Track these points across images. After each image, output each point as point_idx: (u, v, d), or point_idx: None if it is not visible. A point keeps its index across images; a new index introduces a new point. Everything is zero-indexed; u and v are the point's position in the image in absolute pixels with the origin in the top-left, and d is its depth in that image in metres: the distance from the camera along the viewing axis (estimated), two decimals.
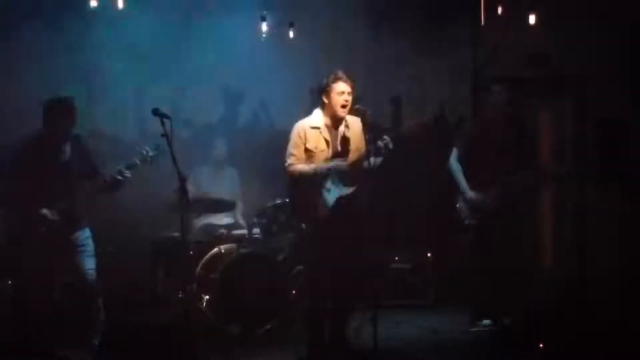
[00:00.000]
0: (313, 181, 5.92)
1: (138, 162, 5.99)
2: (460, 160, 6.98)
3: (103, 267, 6.16)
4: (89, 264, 6.02)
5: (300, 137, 5.98)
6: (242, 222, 7.75)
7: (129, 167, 5.92)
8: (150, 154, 5.99)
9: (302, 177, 5.94)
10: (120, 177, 5.91)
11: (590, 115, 8.56)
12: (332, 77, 5.93)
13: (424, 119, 6.19)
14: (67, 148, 5.97)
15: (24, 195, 5.80)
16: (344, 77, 5.93)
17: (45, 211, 5.80)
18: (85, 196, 5.98)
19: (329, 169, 5.90)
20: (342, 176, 5.91)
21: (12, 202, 5.87)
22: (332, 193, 5.90)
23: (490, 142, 6.88)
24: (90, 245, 6.06)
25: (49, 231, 5.80)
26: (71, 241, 5.95)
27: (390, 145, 5.81)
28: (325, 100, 5.97)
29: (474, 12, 8.18)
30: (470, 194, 6.86)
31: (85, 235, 6.03)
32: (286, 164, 6.00)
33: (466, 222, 6.93)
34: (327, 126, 6.02)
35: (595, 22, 8.21)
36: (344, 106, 5.92)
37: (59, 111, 5.91)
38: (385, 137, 5.84)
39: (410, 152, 6.08)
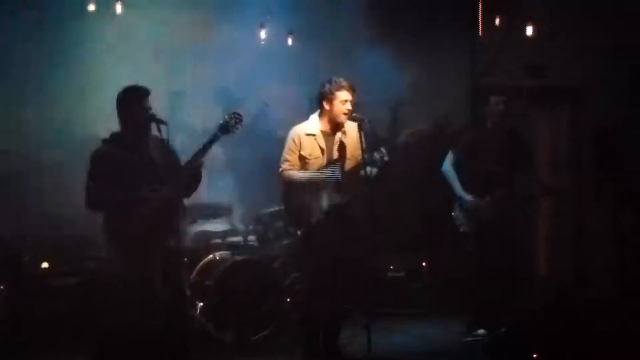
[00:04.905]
0: (307, 187, 5.94)
1: (219, 134, 5.67)
2: (454, 165, 6.97)
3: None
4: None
5: (295, 143, 5.99)
6: (237, 229, 7.73)
7: (211, 142, 5.61)
8: (232, 122, 5.68)
9: (295, 183, 5.96)
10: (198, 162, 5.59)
11: (587, 125, 8.59)
12: (335, 84, 5.93)
13: (424, 129, 6.22)
14: (148, 144, 5.66)
15: (115, 198, 5.54)
16: (347, 85, 5.93)
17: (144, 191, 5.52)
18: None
19: (323, 179, 5.91)
20: (337, 183, 5.92)
21: (106, 203, 5.58)
22: (327, 200, 5.91)
23: (487, 152, 6.88)
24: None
25: (153, 207, 5.48)
26: (168, 244, 5.61)
27: (386, 158, 5.83)
28: (327, 107, 5.97)
29: (473, 21, 8.22)
30: (467, 196, 6.85)
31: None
32: (280, 169, 6.02)
33: (461, 230, 6.93)
34: (323, 132, 6.03)
35: (592, 33, 8.25)
36: (345, 114, 5.93)
37: (127, 102, 5.65)
38: (382, 149, 5.86)
39: (406, 160, 6.08)
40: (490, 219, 6.79)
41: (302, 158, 6.00)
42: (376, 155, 5.84)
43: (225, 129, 5.70)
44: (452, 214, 6.96)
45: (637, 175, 8.13)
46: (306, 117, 6.15)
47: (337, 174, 5.89)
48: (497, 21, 8.20)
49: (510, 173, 6.89)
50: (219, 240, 7.36)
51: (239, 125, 5.73)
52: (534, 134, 8.65)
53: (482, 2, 8.25)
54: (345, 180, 5.92)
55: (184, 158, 5.73)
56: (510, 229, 6.89)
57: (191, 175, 5.68)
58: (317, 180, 5.92)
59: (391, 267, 7.91)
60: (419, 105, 8.50)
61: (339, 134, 6.03)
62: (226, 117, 5.74)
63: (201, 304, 6.77)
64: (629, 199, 8.17)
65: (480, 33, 8.30)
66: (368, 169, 5.81)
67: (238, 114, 5.75)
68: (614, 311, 6.77)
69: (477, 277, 6.92)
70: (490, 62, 8.50)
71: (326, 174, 5.92)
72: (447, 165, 6.98)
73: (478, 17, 8.12)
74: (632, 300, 7.08)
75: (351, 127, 5.98)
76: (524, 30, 8.10)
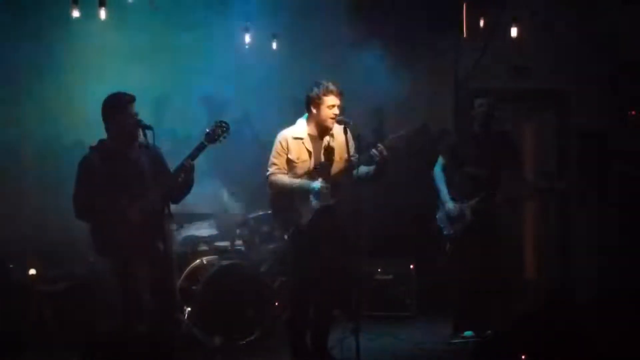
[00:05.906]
0: (295, 191, 5.94)
1: (206, 143, 5.62)
2: (444, 170, 6.99)
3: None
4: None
5: (282, 147, 5.99)
6: (224, 233, 7.72)
7: (199, 149, 5.56)
8: (219, 131, 5.63)
9: (281, 188, 5.97)
10: (184, 168, 5.53)
11: (572, 128, 8.62)
12: (323, 89, 5.92)
13: (404, 132, 6.21)
14: (136, 152, 5.59)
15: (104, 205, 5.48)
16: (336, 90, 5.93)
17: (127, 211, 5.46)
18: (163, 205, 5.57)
19: (308, 191, 5.89)
20: (325, 186, 5.92)
21: (95, 211, 5.52)
22: (314, 203, 5.91)
23: (473, 155, 6.90)
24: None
25: (133, 231, 5.43)
26: (157, 249, 5.58)
27: (385, 153, 5.82)
28: (314, 111, 5.98)
29: (457, 24, 8.23)
30: (449, 204, 6.87)
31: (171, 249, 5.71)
32: (267, 173, 6.02)
33: (444, 232, 6.94)
34: (311, 136, 6.03)
35: (576, 35, 8.29)
36: (332, 118, 5.94)
37: (113, 109, 5.58)
38: (379, 145, 5.86)
39: (392, 163, 6.08)
40: (473, 223, 6.81)
41: (289, 161, 6.00)
42: (374, 152, 5.83)
43: (212, 138, 5.67)
44: (436, 216, 6.98)
45: (622, 177, 8.18)
46: (292, 122, 6.15)
47: (325, 188, 5.87)
48: (482, 23, 8.22)
49: (496, 175, 6.91)
50: (206, 245, 7.36)
51: (225, 134, 5.69)
52: (519, 135, 8.68)
53: (466, 4, 8.27)
54: (333, 183, 5.93)
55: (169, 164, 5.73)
56: (492, 231, 6.91)
57: (183, 181, 5.65)
58: (303, 190, 5.92)
59: (379, 270, 7.92)
60: (404, 108, 8.50)
61: (327, 138, 6.04)
62: (213, 125, 5.70)
63: (189, 308, 6.77)
64: (614, 200, 8.21)
65: (464, 35, 8.31)
66: (362, 168, 5.85)
67: (225, 123, 5.71)
68: (603, 314, 6.81)
69: (460, 280, 6.93)
70: (475, 65, 8.52)
71: (313, 186, 5.90)
72: (437, 169, 7.00)
73: (462, 18, 8.13)
74: (620, 303, 7.12)
75: (339, 130, 5.99)
76: (509, 33, 8.12)
